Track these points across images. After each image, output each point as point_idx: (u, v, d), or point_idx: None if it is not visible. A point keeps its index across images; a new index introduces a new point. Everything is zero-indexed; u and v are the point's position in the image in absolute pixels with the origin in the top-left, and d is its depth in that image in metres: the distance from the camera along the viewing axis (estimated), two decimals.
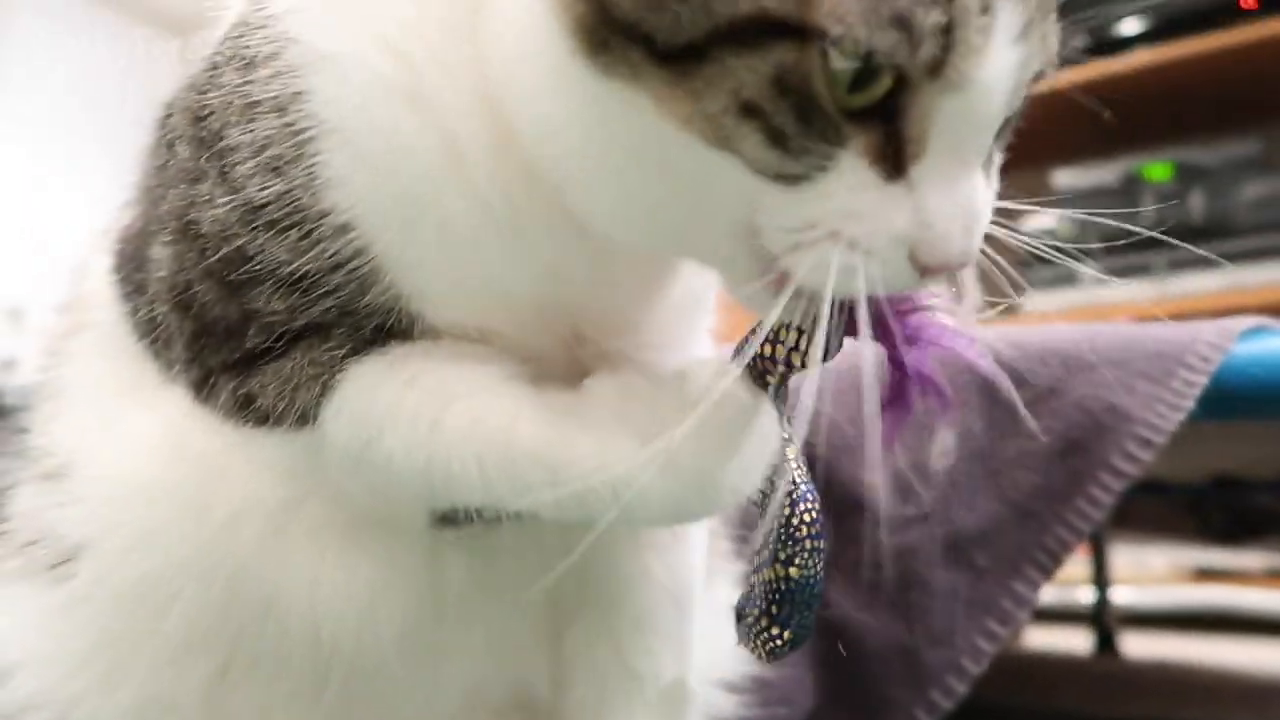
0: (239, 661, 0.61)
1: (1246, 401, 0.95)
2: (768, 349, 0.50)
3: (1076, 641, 2.21)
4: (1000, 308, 0.55)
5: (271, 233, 0.53)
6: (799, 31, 0.41)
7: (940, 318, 0.53)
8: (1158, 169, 2.12)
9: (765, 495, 0.55)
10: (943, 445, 0.58)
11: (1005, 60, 0.43)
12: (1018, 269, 0.55)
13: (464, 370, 0.55)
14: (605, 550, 0.65)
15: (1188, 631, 2.39)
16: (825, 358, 0.49)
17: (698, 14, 0.42)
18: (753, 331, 0.51)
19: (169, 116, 0.61)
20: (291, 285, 0.54)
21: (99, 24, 4.28)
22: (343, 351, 0.55)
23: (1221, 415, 0.96)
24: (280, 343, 0.55)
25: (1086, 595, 2.21)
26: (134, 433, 0.61)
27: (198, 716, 0.62)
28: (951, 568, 0.98)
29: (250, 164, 0.53)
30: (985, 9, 0.42)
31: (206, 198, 0.55)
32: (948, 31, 0.41)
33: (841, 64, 0.42)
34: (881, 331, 0.51)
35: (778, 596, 0.55)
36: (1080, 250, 0.56)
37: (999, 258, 0.53)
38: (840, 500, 0.92)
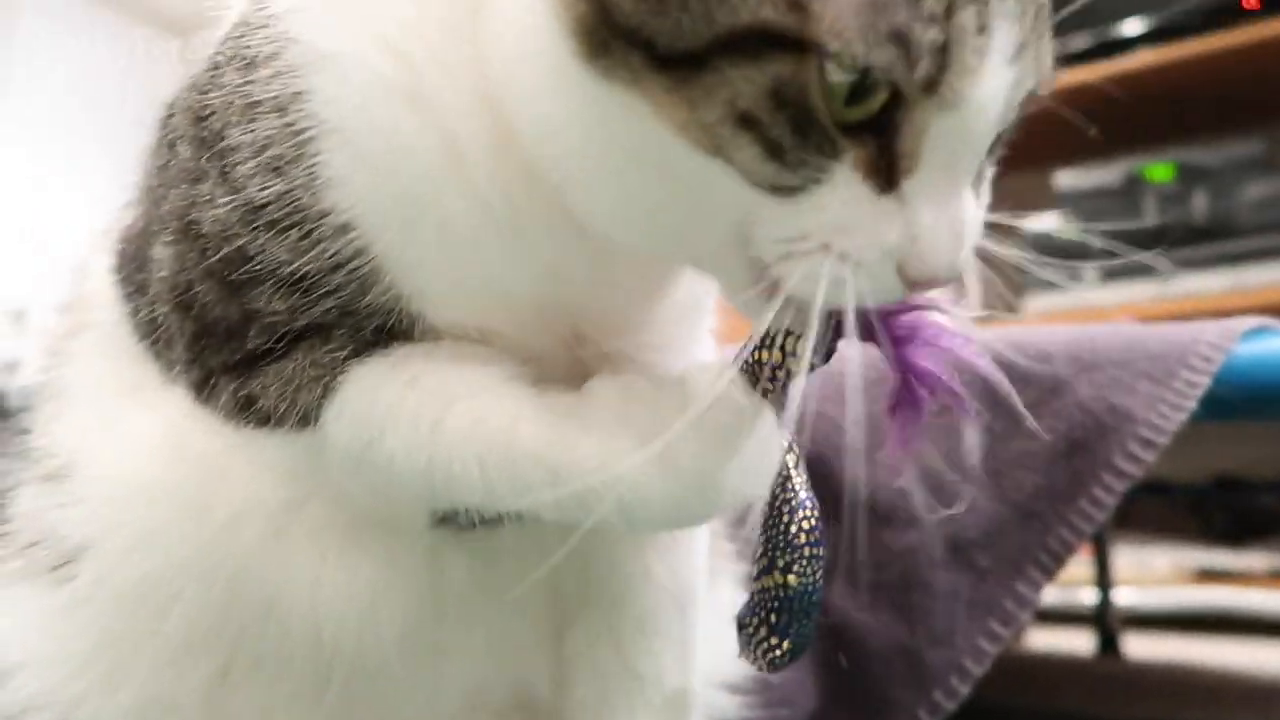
0: (240, 662, 0.61)
1: (1249, 402, 0.95)
2: (763, 355, 0.51)
3: (1079, 642, 2.21)
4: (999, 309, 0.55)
5: (272, 233, 0.53)
6: (798, 45, 0.42)
7: (936, 317, 0.53)
8: (1160, 169, 2.12)
9: (764, 501, 0.55)
10: (970, 442, 0.58)
11: (999, 80, 0.44)
12: (1019, 270, 0.55)
13: (465, 371, 0.55)
14: (607, 551, 0.65)
15: (1190, 632, 2.38)
16: (818, 364, 0.49)
17: (699, 22, 0.42)
18: (751, 337, 0.51)
19: (170, 116, 0.61)
20: (292, 285, 0.54)
21: (99, 24, 4.28)
22: (344, 353, 0.55)
23: (1224, 416, 0.96)
24: (281, 343, 0.55)
25: (1089, 596, 2.21)
26: (135, 433, 0.61)
27: (199, 717, 0.62)
28: (954, 568, 0.98)
29: (251, 164, 0.53)
30: (982, 29, 0.42)
31: (207, 198, 0.55)
32: (944, 50, 0.41)
33: (839, 77, 0.42)
34: (878, 335, 0.51)
35: (776, 605, 0.55)
36: (1082, 251, 0.56)
37: (1001, 257, 0.53)
38: (841, 501, 0.92)
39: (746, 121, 0.43)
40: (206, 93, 0.56)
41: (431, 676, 0.64)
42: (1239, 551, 2.17)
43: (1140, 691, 1.77)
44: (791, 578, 0.54)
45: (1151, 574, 2.24)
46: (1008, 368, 0.64)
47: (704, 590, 0.70)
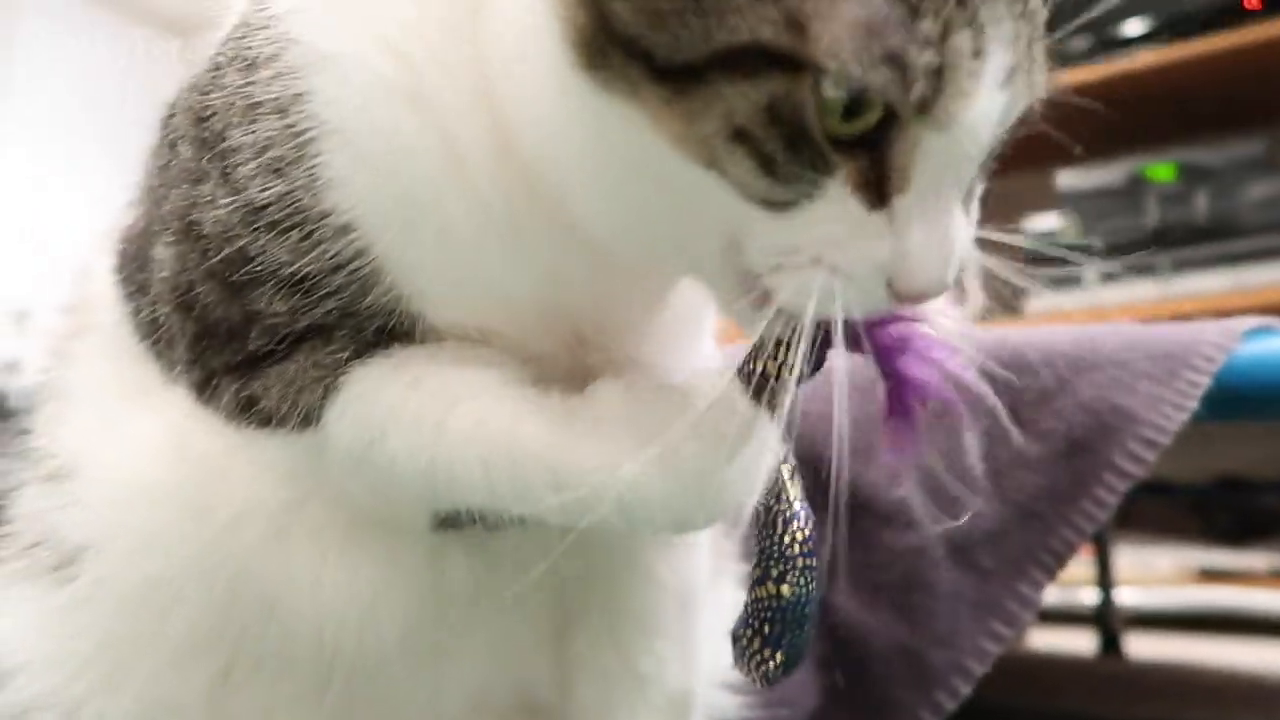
0: (241, 663, 0.61)
1: (1251, 402, 0.95)
2: (755, 365, 0.51)
3: (1081, 642, 2.21)
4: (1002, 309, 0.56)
5: (273, 234, 0.53)
6: (794, 64, 0.42)
7: (924, 328, 0.54)
8: (1162, 170, 2.12)
9: (759, 512, 0.56)
10: (970, 448, 0.59)
11: (992, 104, 0.44)
12: (1021, 270, 0.55)
13: (467, 373, 0.55)
14: (610, 552, 0.65)
15: (1192, 632, 2.39)
16: (808, 374, 0.50)
17: (697, 37, 0.43)
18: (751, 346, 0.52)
19: (172, 116, 0.61)
20: (293, 286, 0.54)
21: (99, 25, 4.29)
22: (346, 354, 0.55)
23: (1226, 416, 0.96)
24: (283, 345, 0.55)
25: (1091, 596, 2.21)
26: (136, 434, 0.61)
27: (201, 718, 0.62)
28: (956, 569, 0.98)
29: (252, 165, 0.53)
30: (977, 53, 0.43)
31: (208, 198, 0.55)
32: (939, 73, 0.42)
33: (834, 93, 0.42)
34: (868, 345, 0.52)
35: (769, 615, 0.55)
36: (1085, 251, 0.56)
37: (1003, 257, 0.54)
38: (846, 502, 0.92)
39: (741, 136, 0.43)
40: (208, 93, 0.56)
41: (433, 677, 0.64)
42: (1241, 551, 2.16)
43: (1142, 691, 1.77)
44: (785, 588, 0.55)
45: (1153, 574, 2.24)
46: (1008, 368, 0.64)
47: (706, 589, 0.70)
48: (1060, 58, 0.50)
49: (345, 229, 0.53)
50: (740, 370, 0.52)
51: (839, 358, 0.49)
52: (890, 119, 0.43)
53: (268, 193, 0.53)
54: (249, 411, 0.56)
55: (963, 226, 0.48)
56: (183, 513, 0.59)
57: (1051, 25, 0.49)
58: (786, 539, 0.55)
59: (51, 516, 0.63)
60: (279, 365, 0.55)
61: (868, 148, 0.44)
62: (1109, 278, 2.00)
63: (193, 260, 0.56)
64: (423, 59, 0.52)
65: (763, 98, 0.43)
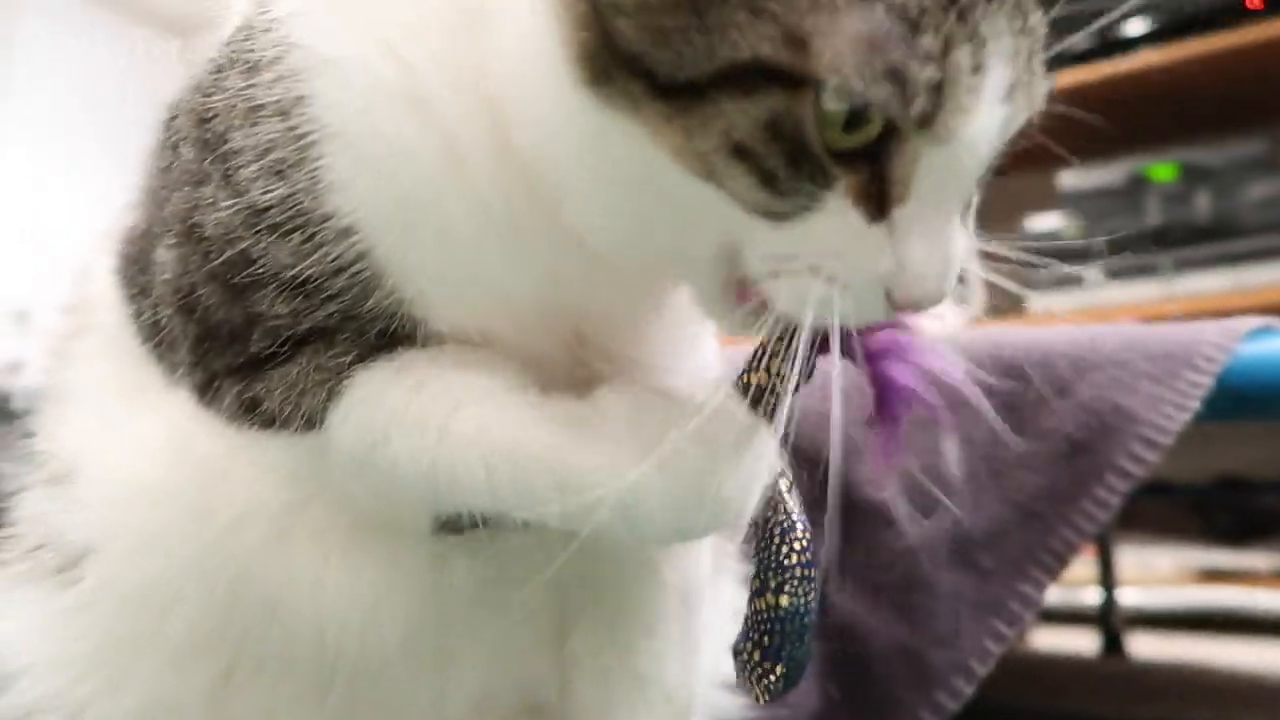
0: (243, 665, 0.61)
1: (1252, 402, 0.95)
2: (751, 378, 0.52)
3: (1083, 642, 2.21)
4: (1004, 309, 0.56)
5: (275, 236, 0.53)
6: (795, 80, 0.42)
7: (913, 334, 0.54)
8: (1163, 170, 2.12)
9: (759, 523, 0.56)
10: (950, 454, 0.59)
11: (991, 118, 0.45)
12: (1023, 270, 0.55)
13: (470, 376, 0.55)
14: (612, 553, 0.65)
15: (1194, 632, 2.38)
16: (802, 382, 0.50)
17: (699, 54, 0.43)
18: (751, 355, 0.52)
19: (173, 118, 0.61)
20: (295, 289, 0.54)
21: (100, 25, 4.29)
22: (349, 357, 0.55)
23: (1227, 416, 0.96)
24: (285, 347, 0.55)
25: (1093, 596, 2.21)
26: (138, 436, 0.61)
27: (203, 719, 0.62)
28: (957, 569, 0.97)
29: (254, 167, 0.53)
30: (977, 69, 0.43)
31: (210, 200, 0.55)
32: (940, 89, 0.42)
33: (835, 106, 0.43)
34: (859, 350, 0.53)
35: (768, 627, 0.56)
36: (1086, 251, 0.57)
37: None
38: (846, 503, 0.92)
39: (742, 152, 0.44)
40: (209, 95, 0.57)
41: (436, 680, 0.64)
42: (1242, 551, 2.16)
43: (1144, 691, 1.77)
44: (783, 599, 0.55)
45: (1155, 574, 2.24)
46: (1009, 368, 0.64)
47: (706, 588, 0.70)
48: (1061, 58, 0.50)
49: (347, 232, 0.53)
50: (738, 380, 0.52)
51: (836, 362, 0.49)
52: (890, 132, 0.44)
53: (269, 195, 0.53)
54: (251, 413, 0.56)
55: (960, 238, 0.48)
56: (184, 514, 0.59)
57: (1053, 25, 0.49)
58: (784, 550, 0.56)
59: (54, 519, 0.63)
60: (281, 367, 0.55)
61: (868, 160, 0.45)
62: (1110, 278, 2.00)
63: (194, 262, 0.56)
64: (424, 63, 0.52)
65: (763, 114, 0.43)
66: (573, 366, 0.59)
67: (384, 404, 0.54)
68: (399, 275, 0.54)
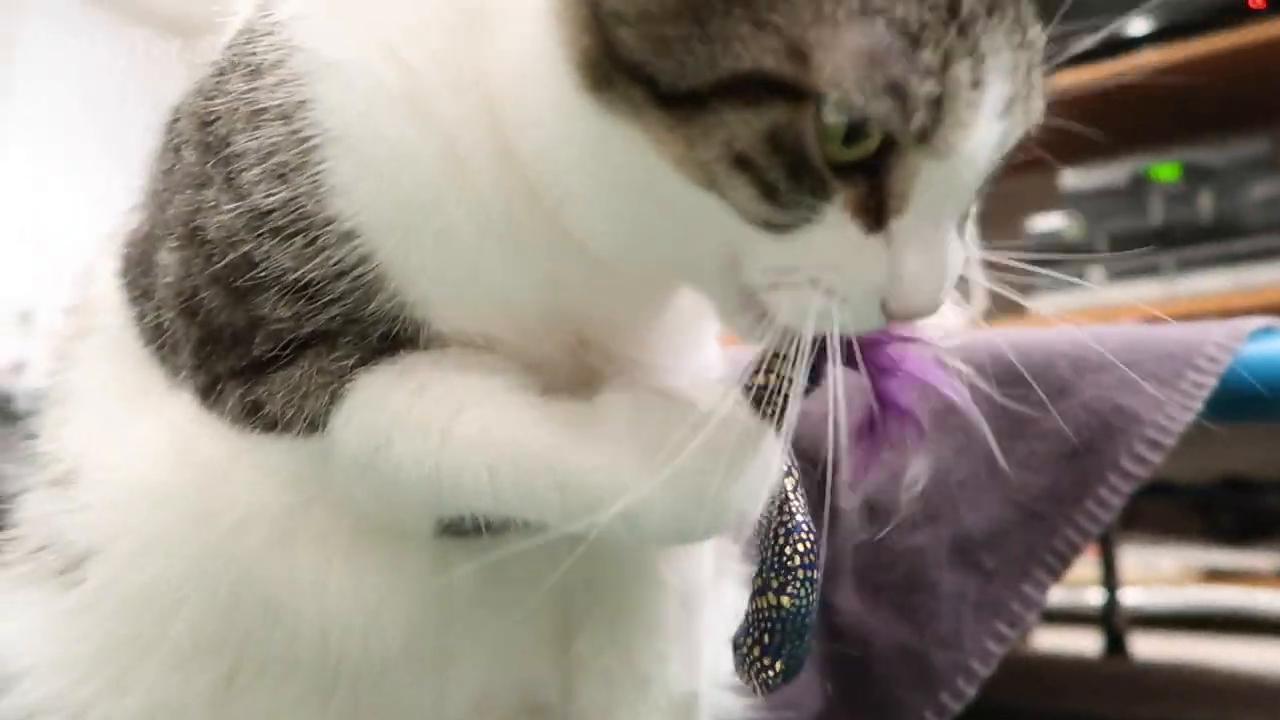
0: (246, 667, 0.61)
1: (1255, 402, 0.94)
2: (757, 380, 0.52)
3: (1086, 643, 2.21)
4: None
5: (277, 239, 0.53)
6: (796, 93, 0.43)
7: (920, 350, 0.55)
8: (1165, 169, 2.12)
9: (762, 523, 0.56)
10: (914, 475, 0.60)
11: (990, 133, 0.45)
12: (1023, 271, 0.55)
13: (473, 379, 0.55)
14: (614, 554, 0.65)
15: (1197, 633, 2.38)
16: (808, 388, 0.51)
17: (701, 63, 0.43)
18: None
19: (176, 121, 0.61)
20: (297, 292, 0.54)
21: (100, 26, 4.29)
22: (351, 361, 0.55)
23: (1230, 416, 0.96)
24: (288, 350, 0.55)
25: (1096, 597, 2.21)
26: (141, 438, 0.61)
27: None
28: (959, 570, 0.97)
29: (256, 170, 0.53)
30: (976, 84, 0.43)
31: (212, 203, 0.55)
32: (939, 103, 0.42)
33: (835, 119, 0.43)
34: (863, 363, 0.53)
35: (769, 625, 0.56)
36: (1089, 251, 0.57)
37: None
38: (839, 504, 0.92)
39: (743, 163, 0.44)
40: (212, 98, 0.57)
41: (438, 682, 0.64)
42: (1245, 551, 2.16)
43: (1147, 691, 1.77)
44: (785, 599, 0.55)
45: (1158, 574, 2.24)
46: (1011, 369, 0.64)
47: (708, 589, 0.70)
48: (1062, 58, 0.50)
49: (349, 235, 0.53)
50: (744, 383, 0.52)
51: (835, 368, 0.49)
52: (889, 146, 0.44)
53: (272, 198, 0.53)
54: (254, 416, 0.56)
55: (957, 249, 0.48)
56: (186, 516, 0.59)
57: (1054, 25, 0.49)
58: (788, 551, 0.56)
59: (57, 520, 0.63)
60: (284, 371, 0.56)
61: (867, 173, 0.45)
62: (1113, 278, 2.00)
63: (197, 265, 0.56)
64: (426, 66, 0.52)
65: (764, 125, 0.43)
66: (574, 368, 0.59)
67: (386, 407, 0.54)
68: (401, 278, 0.54)
